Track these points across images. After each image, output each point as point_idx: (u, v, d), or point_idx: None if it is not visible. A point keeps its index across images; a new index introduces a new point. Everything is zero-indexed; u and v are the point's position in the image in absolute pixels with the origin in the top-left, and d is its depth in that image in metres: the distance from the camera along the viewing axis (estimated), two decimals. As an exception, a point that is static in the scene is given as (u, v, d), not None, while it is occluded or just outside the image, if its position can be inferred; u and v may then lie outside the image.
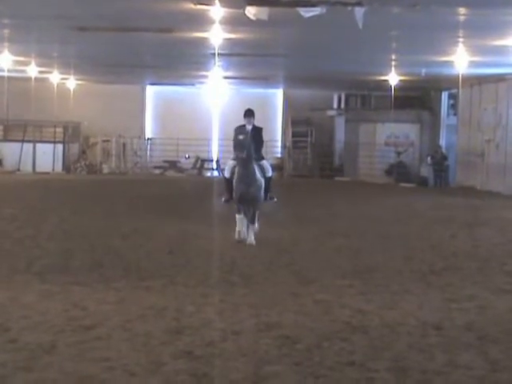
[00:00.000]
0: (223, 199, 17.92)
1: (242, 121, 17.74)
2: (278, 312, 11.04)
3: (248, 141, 17.07)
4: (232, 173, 17.47)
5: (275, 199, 18.21)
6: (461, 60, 25.68)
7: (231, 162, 17.79)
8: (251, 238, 17.11)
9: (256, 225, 17.61)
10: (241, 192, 17.12)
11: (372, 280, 13.76)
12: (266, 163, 18.04)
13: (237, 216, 17.33)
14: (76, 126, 42.26)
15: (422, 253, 17.07)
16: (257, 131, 17.75)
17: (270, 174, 17.94)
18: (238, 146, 17.12)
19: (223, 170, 18.94)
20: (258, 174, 17.29)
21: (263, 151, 18.40)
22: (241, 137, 17.04)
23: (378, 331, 10.24)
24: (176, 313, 10.93)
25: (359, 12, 15.81)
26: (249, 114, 17.65)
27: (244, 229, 17.29)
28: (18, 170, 40.54)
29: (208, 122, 42.18)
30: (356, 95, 42.68)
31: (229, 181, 17.59)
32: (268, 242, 17.36)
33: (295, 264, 15.07)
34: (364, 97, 42.64)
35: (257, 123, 17.89)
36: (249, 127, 17.43)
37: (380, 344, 9.62)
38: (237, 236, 17.24)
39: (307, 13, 15.89)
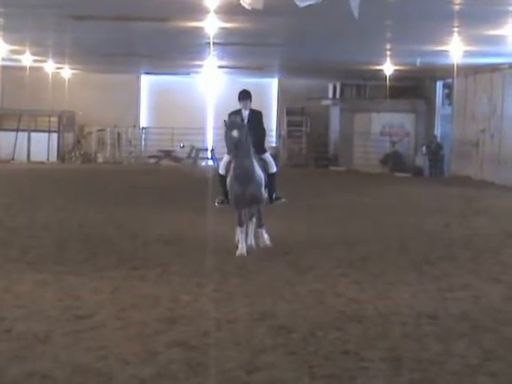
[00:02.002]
0: (217, 201, 15.36)
1: (237, 106, 15.18)
2: (273, 301, 11.06)
3: (244, 135, 14.37)
4: (227, 169, 14.93)
5: (283, 199, 15.59)
6: (456, 50, 25.70)
7: (226, 156, 15.12)
8: (266, 241, 15.15)
9: (264, 231, 15.30)
10: (236, 192, 14.67)
11: (367, 269, 13.79)
12: (268, 157, 15.41)
13: (237, 229, 14.84)
14: (71, 115, 42.25)
15: (417, 242, 17.09)
16: (255, 116, 15.09)
17: (273, 169, 15.24)
18: (231, 144, 14.44)
19: (219, 159, 17.01)
20: (258, 170, 14.72)
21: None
22: (235, 133, 14.26)
23: (373, 321, 10.27)
24: (170, 302, 10.94)
25: (354, 1, 15.79)
26: (245, 96, 15.03)
27: (245, 244, 14.65)
28: (13, 159, 40.54)
29: (203, 111, 42.17)
30: (351, 85, 42.73)
31: (223, 178, 15.10)
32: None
33: (290, 253, 15.08)
34: (359, 86, 42.67)
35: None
36: (245, 112, 14.86)
37: (374, 333, 9.65)
38: (238, 252, 14.50)
39: (302, 2, 15.86)
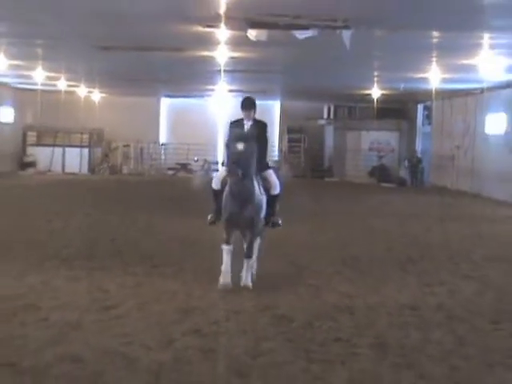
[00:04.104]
0: (208, 219, 11.94)
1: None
2: (275, 295, 11.04)
3: (250, 151, 11.02)
4: (223, 184, 11.47)
5: (280, 223, 12.02)
6: (434, 77, 25.71)
7: (223, 169, 12.01)
8: (247, 279, 11.29)
9: (254, 258, 11.66)
10: (230, 211, 11.18)
11: (357, 267, 13.79)
12: (272, 176, 11.65)
13: (223, 247, 11.33)
14: (100, 132, 42.29)
15: (401, 244, 17.09)
16: (259, 128, 11.51)
17: (276, 191, 11.63)
18: (233, 159, 11.04)
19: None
20: (258, 191, 11.22)
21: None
22: (239, 146, 10.90)
23: (362, 312, 10.26)
24: (185, 296, 10.94)
25: (346, 34, 15.83)
26: (248, 105, 11.52)
27: (230, 270, 11.26)
28: (49, 170, 40.55)
29: (214, 129, 42.13)
30: (343, 107, 42.69)
31: (217, 193, 11.57)
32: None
33: (290, 253, 15.07)
34: (350, 108, 42.64)
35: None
36: (248, 123, 11.46)
37: (363, 323, 9.65)
38: (221, 280, 11.21)
39: (301, 35, 15.91)
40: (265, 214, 11.50)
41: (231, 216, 11.24)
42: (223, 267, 11.25)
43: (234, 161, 10.99)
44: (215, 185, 11.68)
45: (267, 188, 11.51)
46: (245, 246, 11.67)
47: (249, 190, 11.11)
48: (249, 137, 11.14)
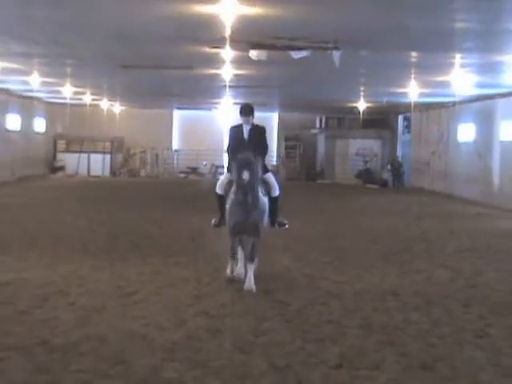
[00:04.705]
0: (213, 222, 11.30)
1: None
2: (274, 282, 11.04)
3: (255, 176, 10.20)
4: (226, 189, 10.80)
5: (286, 224, 11.35)
6: (413, 91, 25.71)
7: (226, 175, 10.99)
8: (251, 282, 10.31)
9: (255, 261, 10.67)
10: (236, 219, 10.42)
11: (345, 258, 13.80)
12: (271, 179, 10.92)
13: (229, 258, 11.01)
14: (120, 140, 42.29)
15: (383, 237, 17.10)
16: (258, 132, 10.80)
17: (276, 193, 10.87)
18: (239, 167, 10.11)
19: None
20: (261, 194, 10.52)
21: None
22: (245, 175, 10.00)
23: (350, 297, 10.27)
24: (196, 282, 10.95)
25: (336, 55, 15.81)
26: (247, 111, 10.77)
27: (241, 270, 10.68)
28: (76, 174, 40.55)
29: (221, 137, 42.07)
30: (333, 118, 42.66)
31: (222, 199, 10.87)
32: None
33: (287, 246, 15.08)
34: (339, 119, 42.60)
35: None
36: (247, 128, 10.73)
37: (351, 307, 9.65)
38: (236, 271, 10.80)
39: (296, 55, 15.89)
40: (268, 216, 10.81)
41: (237, 223, 10.44)
42: (237, 267, 10.78)
43: (242, 192, 10.11)
44: (219, 190, 10.93)
45: (268, 190, 10.78)
46: (247, 249, 10.69)
47: (254, 196, 10.26)
48: (252, 162, 10.16)
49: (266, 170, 10.94)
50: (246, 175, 10.02)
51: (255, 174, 10.20)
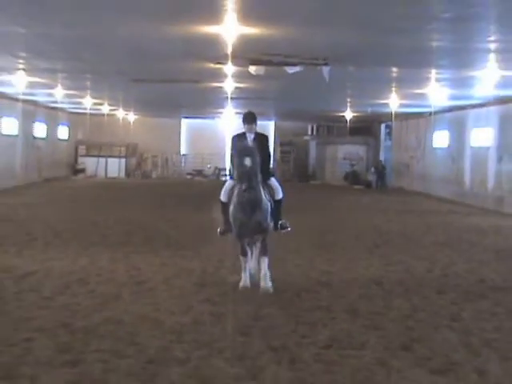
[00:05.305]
0: (219, 230, 10.10)
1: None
2: (270, 272, 11.04)
3: (256, 163, 9.28)
4: (229, 196, 9.72)
5: (289, 227, 10.23)
6: (394, 102, 25.72)
7: (229, 182, 9.92)
8: (267, 283, 9.48)
9: (267, 263, 9.64)
10: (240, 222, 9.49)
11: (334, 251, 13.80)
12: (275, 182, 10.02)
13: (241, 258, 9.82)
14: (134, 146, 42.25)
15: (368, 232, 17.10)
16: (261, 140, 9.80)
17: (280, 196, 9.94)
18: (243, 174, 9.23)
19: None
20: (265, 198, 9.59)
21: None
22: (247, 162, 9.21)
23: (338, 285, 10.27)
24: (201, 273, 10.95)
25: (325, 70, 15.81)
26: (250, 119, 9.76)
27: (248, 275, 9.69)
28: (95, 175, 40.53)
29: (223, 143, 42.06)
30: (323, 125, 42.65)
31: (225, 206, 9.77)
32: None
33: (281, 240, 15.05)
34: (329, 127, 42.59)
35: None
36: (250, 136, 9.74)
37: (339, 294, 9.64)
38: (241, 284, 9.63)
39: (290, 70, 15.88)
40: (272, 219, 9.83)
41: (242, 225, 9.48)
42: (242, 274, 9.66)
43: (246, 177, 9.21)
44: (223, 197, 9.83)
45: (271, 194, 9.85)
46: (257, 247, 9.76)
47: (256, 197, 9.35)
48: (253, 150, 9.36)
49: (269, 175, 9.97)
50: (247, 161, 9.17)
51: (256, 162, 9.26)
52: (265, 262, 9.59)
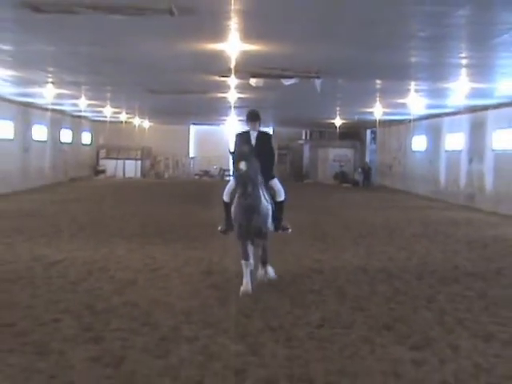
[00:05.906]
0: (220, 228, 9.30)
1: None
2: (268, 260, 11.05)
3: (253, 167, 8.27)
4: (232, 196, 8.83)
5: (289, 230, 9.54)
6: (378, 111, 25.71)
7: (232, 182, 8.89)
8: (269, 273, 9.17)
9: (269, 268, 9.24)
10: (240, 223, 8.61)
11: (325, 241, 13.80)
12: (277, 184, 9.11)
13: (242, 262, 8.67)
14: (149, 149, 42.22)
15: (354, 225, 17.09)
16: (264, 139, 8.93)
17: (282, 197, 9.08)
18: (238, 178, 8.32)
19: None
20: (265, 200, 8.64)
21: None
22: (242, 166, 8.18)
23: (329, 272, 10.28)
24: (208, 262, 10.96)
25: (318, 82, 15.81)
26: (253, 117, 8.84)
27: (250, 280, 8.57)
28: (114, 175, 40.51)
29: (227, 146, 41.93)
30: (316, 131, 42.60)
31: (228, 206, 8.92)
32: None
33: (278, 232, 15.05)
34: (321, 132, 42.54)
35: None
36: (254, 134, 8.85)
37: (330, 279, 9.66)
38: (242, 289, 8.42)
39: (286, 82, 15.88)
40: (272, 220, 8.95)
41: (241, 227, 8.61)
42: (244, 279, 8.53)
43: (241, 181, 8.26)
44: (225, 197, 8.93)
45: (273, 196, 8.95)
46: (258, 252, 9.12)
47: (253, 203, 8.40)
48: (249, 154, 8.34)
49: (272, 176, 9.01)
50: (242, 165, 8.13)
51: (253, 166, 8.25)
52: (267, 269, 9.19)
